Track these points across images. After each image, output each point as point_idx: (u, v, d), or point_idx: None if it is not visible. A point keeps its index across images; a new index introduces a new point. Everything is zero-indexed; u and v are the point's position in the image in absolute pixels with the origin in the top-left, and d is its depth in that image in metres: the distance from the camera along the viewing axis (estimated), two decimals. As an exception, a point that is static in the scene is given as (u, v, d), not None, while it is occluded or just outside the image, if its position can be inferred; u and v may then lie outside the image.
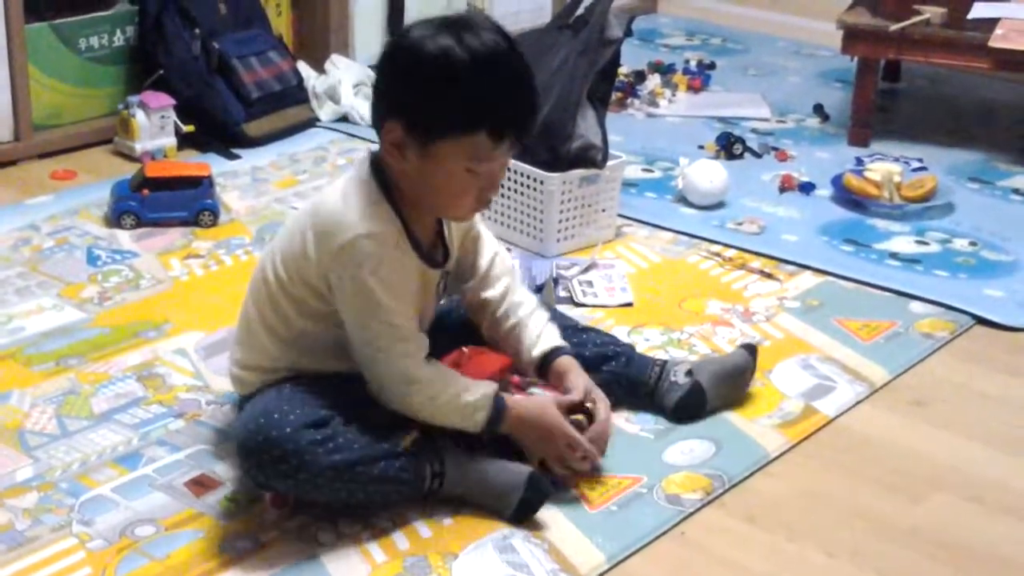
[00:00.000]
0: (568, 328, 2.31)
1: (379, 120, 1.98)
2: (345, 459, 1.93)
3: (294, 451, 1.91)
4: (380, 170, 2.00)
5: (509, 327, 2.18)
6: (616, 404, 2.28)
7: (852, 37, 3.60)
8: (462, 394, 2.01)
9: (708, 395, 2.29)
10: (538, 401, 2.10)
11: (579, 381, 2.14)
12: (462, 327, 2.24)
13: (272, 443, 1.91)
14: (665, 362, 2.33)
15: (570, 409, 2.10)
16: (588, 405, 2.12)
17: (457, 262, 2.16)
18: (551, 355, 2.17)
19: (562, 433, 2.05)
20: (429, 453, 2.02)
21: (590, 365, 2.26)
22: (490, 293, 2.20)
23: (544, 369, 2.17)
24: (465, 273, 2.20)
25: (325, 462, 1.92)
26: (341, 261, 1.95)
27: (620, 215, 3.09)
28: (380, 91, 1.99)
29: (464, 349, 2.17)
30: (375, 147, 2.03)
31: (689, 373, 2.30)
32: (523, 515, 2.00)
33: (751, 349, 2.38)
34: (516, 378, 2.17)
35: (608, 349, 2.31)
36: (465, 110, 1.92)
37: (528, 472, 2.00)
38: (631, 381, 2.30)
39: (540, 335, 2.18)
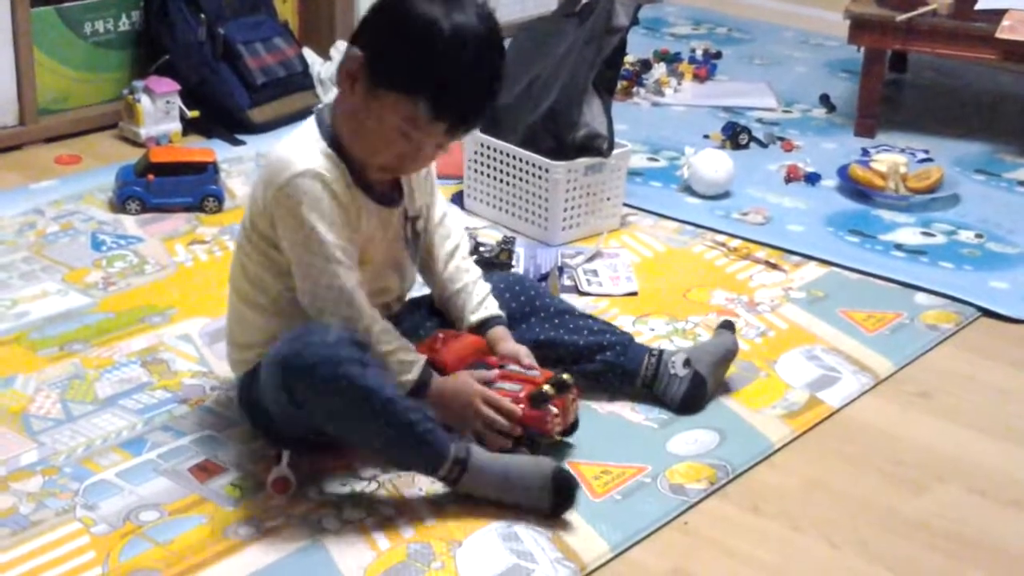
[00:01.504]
0: (566, 313, 2.32)
1: (350, 44, 2.03)
2: (380, 386, 1.93)
3: (332, 359, 1.91)
4: (321, 117, 2.06)
5: (455, 290, 2.23)
6: (611, 394, 2.31)
7: (859, 27, 3.59)
8: (401, 351, 2.04)
9: (708, 384, 2.30)
10: (458, 380, 2.10)
11: (512, 349, 2.18)
12: (437, 313, 2.27)
13: (313, 350, 1.91)
14: (661, 352, 2.33)
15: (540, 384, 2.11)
16: (565, 377, 2.12)
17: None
18: (489, 322, 2.22)
19: (477, 412, 2.06)
20: (459, 441, 2.01)
21: (584, 354, 2.28)
22: (441, 248, 2.23)
23: (479, 334, 2.21)
24: (423, 212, 2.22)
25: (360, 381, 1.92)
26: (281, 200, 1.98)
27: (625, 204, 3.09)
28: (363, 20, 2.04)
29: (439, 333, 2.18)
30: (320, 106, 2.12)
31: (687, 363, 2.30)
32: (558, 514, 1.98)
33: (732, 327, 2.40)
34: (493, 359, 2.17)
35: (604, 338, 2.31)
36: (415, 72, 1.95)
37: (552, 469, 1.99)
38: (626, 371, 2.30)
39: (482, 303, 2.23)
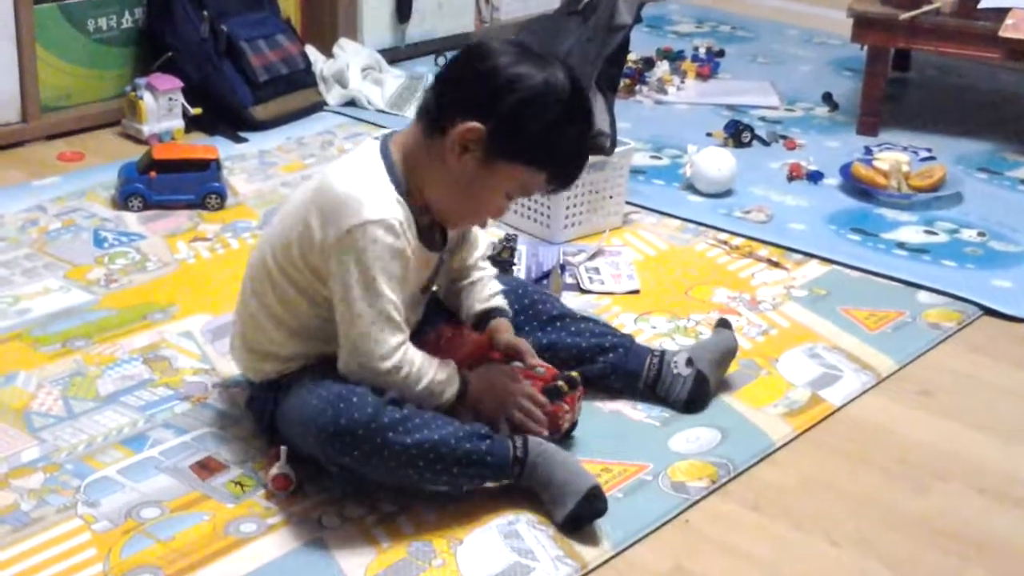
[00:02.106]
0: (566, 317, 2.31)
1: (455, 113, 1.94)
2: (428, 438, 1.92)
3: (376, 429, 1.90)
4: (387, 156, 2.00)
5: (469, 282, 2.23)
6: (614, 395, 2.30)
7: (862, 26, 3.59)
8: (436, 377, 2.03)
9: (710, 382, 2.30)
10: (487, 370, 2.11)
11: (511, 340, 2.18)
12: (438, 305, 2.26)
13: (354, 423, 1.90)
14: (663, 352, 2.32)
15: (548, 380, 2.12)
16: (574, 375, 2.13)
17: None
18: (492, 312, 2.21)
19: (510, 393, 2.08)
20: (513, 437, 2.01)
21: (587, 356, 2.28)
22: (469, 259, 2.23)
23: (481, 325, 2.21)
24: (455, 240, 2.21)
25: (408, 440, 1.91)
26: (346, 245, 1.93)
27: (628, 202, 3.09)
28: (476, 91, 1.95)
29: (444, 329, 2.18)
30: (382, 132, 2.06)
31: (689, 363, 2.29)
32: (572, 526, 1.96)
33: (729, 325, 2.40)
34: (497, 354, 2.18)
35: (605, 340, 2.30)
36: (548, 147, 1.96)
37: (591, 485, 1.97)
38: (629, 373, 2.30)
39: (493, 295, 2.23)
